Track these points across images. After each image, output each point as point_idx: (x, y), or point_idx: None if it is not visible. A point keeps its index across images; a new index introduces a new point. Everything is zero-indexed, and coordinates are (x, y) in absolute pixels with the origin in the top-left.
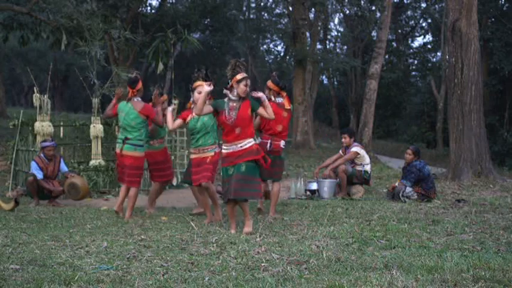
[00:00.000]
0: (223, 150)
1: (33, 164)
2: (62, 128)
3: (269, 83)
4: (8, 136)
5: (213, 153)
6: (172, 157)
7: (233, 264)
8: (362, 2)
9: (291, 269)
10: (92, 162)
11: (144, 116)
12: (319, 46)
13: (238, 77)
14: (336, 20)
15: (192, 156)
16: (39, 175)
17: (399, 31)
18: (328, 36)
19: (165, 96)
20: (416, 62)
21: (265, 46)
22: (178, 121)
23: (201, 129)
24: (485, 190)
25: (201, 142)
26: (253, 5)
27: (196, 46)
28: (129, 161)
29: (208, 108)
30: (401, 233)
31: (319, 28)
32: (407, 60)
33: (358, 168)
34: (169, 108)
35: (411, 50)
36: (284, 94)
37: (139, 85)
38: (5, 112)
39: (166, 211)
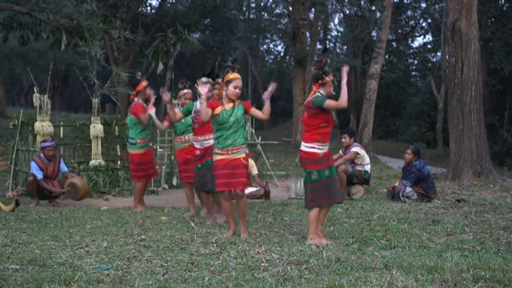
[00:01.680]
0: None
1: (33, 164)
2: (62, 128)
3: None
4: (8, 136)
5: (244, 155)
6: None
7: (233, 264)
8: (362, 2)
9: (291, 269)
10: (92, 162)
11: (132, 115)
12: (319, 46)
13: (330, 77)
14: (336, 20)
15: (217, 157)
16: (39, 175)
17: (399, 31)
18: (328, 36)
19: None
20: (416, 62)
21: (265, 46)
22: (208, 110)
23: (232, 125)
24: (485, 190)
25: (231, 141)
26: (253, 5)
27: (196, 46)
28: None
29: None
30: (401, 233)
31: (319, 28)
32: (407, 60)
33: (358, 168)
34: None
35: (411, 50)
36: None
37: (139, 87)
38: (5, 112)
39: (166, 211)
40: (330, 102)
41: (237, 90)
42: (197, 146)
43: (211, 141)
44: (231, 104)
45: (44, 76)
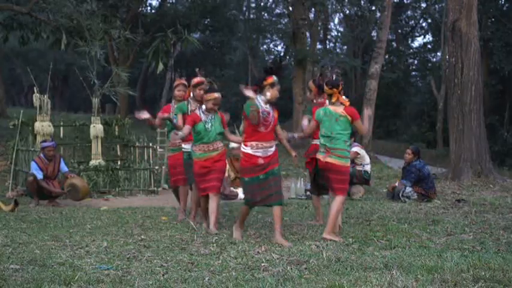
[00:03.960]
0: None
1: (33, 164)
2: (62, 128)
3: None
4: (8, 136)
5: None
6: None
7: (233, 264)
8: (362, 2)
9: (291, 269)
10: (92, 162)
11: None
12: (319, 46)
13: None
14: (336, 20)
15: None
16: (39, 175)
17: (399, 31)
18: (328, 36)
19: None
20: (416, 62)
21: (265, 46)
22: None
23: None
24: (485, 190)
25: None
26: (253, 5)
27: (196, 46)
28: None
29: None
30: (401, 233)
31: (319, 28)
32: (407, 60)
33: (358, 168)
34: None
35: (411, 50)
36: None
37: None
38: (5, 112)
39: (166, 211)
40: None
41: None
42: (259, 154)
43: (274, 148)
44: None
45: (44, 76)
